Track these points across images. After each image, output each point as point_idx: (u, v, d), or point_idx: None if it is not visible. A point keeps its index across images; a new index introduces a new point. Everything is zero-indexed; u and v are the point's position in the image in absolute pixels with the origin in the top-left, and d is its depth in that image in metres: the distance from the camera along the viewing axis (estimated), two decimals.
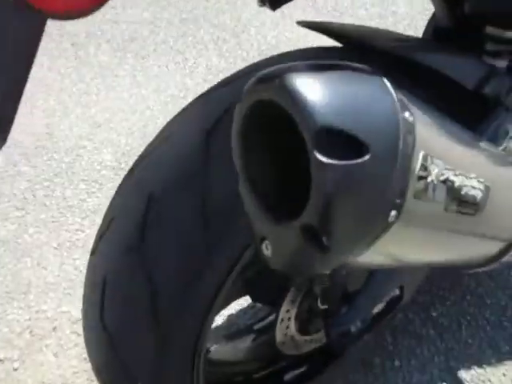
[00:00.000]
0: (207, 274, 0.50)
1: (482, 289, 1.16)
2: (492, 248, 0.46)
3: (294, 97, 0.27)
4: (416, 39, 0.86)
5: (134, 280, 0.49)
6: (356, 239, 0.30)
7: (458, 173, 0.33)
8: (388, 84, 0.29)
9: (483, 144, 0.40)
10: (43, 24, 0.39)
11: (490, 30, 0.77)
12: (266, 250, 0.33)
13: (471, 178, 0.34)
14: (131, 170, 0.54)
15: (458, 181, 0.32)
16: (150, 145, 0.55)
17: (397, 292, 0.69)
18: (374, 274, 0.64)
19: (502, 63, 0.78)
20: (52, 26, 2.00)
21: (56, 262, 1.15)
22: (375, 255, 0.33)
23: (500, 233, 0.43)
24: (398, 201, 0.30)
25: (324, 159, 0.27)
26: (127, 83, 1.74)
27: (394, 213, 0.30)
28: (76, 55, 1.86)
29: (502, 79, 0.66)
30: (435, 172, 0.31)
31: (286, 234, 0.31)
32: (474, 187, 0.34)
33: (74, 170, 1.39)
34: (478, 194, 0.35)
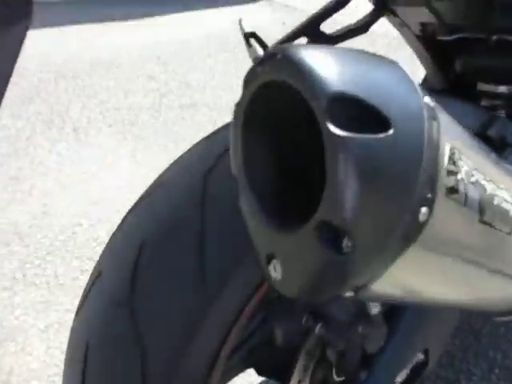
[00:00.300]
0: (203, 337, 0.43)
1: (510, 361, 1.06)
2: None
3: (301, 65, 0.24)
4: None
5: (121, 343, 0.43)
6: (383, 242, 0.25)
7: (488, 179, 0.29)
8: (405, 70, 0.27)
9: (505, 163, 0.37)
10: (20, 45, 0.38)
11: (483, 86, 0.78)
12: (275, 271, 0.28)
13: (502, 189, 0.30)
14: (122, 220, 0.50)
15: (489, 188, 0.29)
16: (143, 194, 0.51)
17: (421, 357, 0.61)
18: (394, 335, 0.57)
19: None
20: (55, 113, 2.08)
21: (42, 347, 1.05)
22: (397, 279, 0.28)
23: None
24: (428, 195, 0.26)
25: (340, 132, 0.23)
26: (126, 162, 1.75)
27: (424, 210, 0.26)
28: (77, 138, 1.90)
29: (504, 122, 0.65)
30: (465, 169, 0.27)
31: (298, 242, 0.26)
32: (506, 200, 0.30)
33: (68, 248, 1.34)
34: (511, 208, 0.31)
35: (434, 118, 0.26)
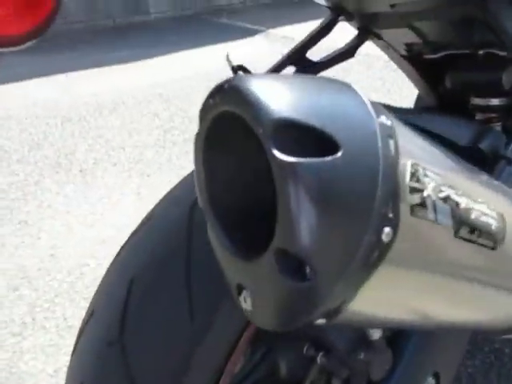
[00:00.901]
0: (195, 373, 0.42)
1: None
2: None
3: (245, 94, 0.24)
4: (407, 108, 0.88)
5: (114, 383, 0.42)
6: (346, 266, 0.24)
7: (460, 193, 0.28)
8: (358, 90, 0.27)
9: (483, 174, 0.36)
10: None
11: (475, 100, 0.78)
12: (245, 302, 0.27)
13: (479, 203, 0.29)
14: (115, 258, 0.50)
15: (463, 202, 0.28)
16: (133, 230, 0.52)
17: (432, 381, 0.58)
18: (400, 359, 0.55)
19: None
20: (62, 156, 2.12)
21: None
22: (374, 299, 0.27)
23: None
24: (390, 215, 0.25)
25: (285, 157, 0.23)
26: (132, 200, 1.77)
27: (388, 230, 0.25)
28: (83, 180, 1.93)
29: (497, 134, 0.64)
30: (431, 186, 0.27)
31: (261, 271, 0.25)
32: (484, 213, 0.29)
33: (77, 289, 1.33)
34: (493, 222, 0.30)
35: (390, 136, 0.25)
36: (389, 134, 0.25)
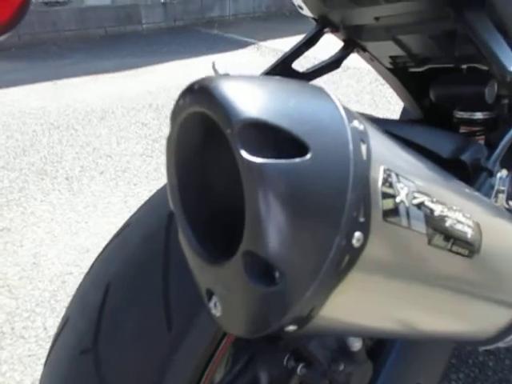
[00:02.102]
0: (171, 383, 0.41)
1: None
2: (501, 316, 0.38)
3: (213, 94, 0.24)
4: (392, 119, 0.88)
5: None
6: (316, 270, 0.24)
7: (435, 200, 0.28)
8: (331, 94, 0.27)
9: (460, 183, 0.36)
10: None
11: (459, 114, 0.79)
12: (215, 307, 0.27)
13: (454, 210, 0.29)
14: (91, 265, 0.49)
15: (437, 209, 0.28)
16: (111, 237, 0.51)
17: None
18: (381, 371, 0.55)
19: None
20: (48, 164, 2.10)
21: None
22: (346, 306, 0.26)
23: (507, 292, 0.36)
24: (361, 219, 0.25)
25: (252, 158, 0.22)
26: (119, 208, 1.75)
27: (358, 234, 0.25)
28: (69, 187, 1.91)
29: (479, 147, 0.65)
30: (405, 192, 0.26)
31: (230, 275, 0.25)
32: (459, 221, 0.29)
33: (58, 298, 1.31)
34: (468, 231, 0.30)
35: (362, 141, 0.25)
36: (361, 138, 0.25)
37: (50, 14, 4.79)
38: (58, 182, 1.95)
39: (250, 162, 0.22)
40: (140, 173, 2.03)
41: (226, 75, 0.26)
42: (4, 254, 1.50)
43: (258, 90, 0.24)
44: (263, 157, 0.23)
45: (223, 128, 0.23)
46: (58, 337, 0.46)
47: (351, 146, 0.24)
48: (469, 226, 0.30)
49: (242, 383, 0.58)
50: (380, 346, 0.56)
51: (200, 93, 0.25)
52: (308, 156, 0.23)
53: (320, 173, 0.23)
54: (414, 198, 0.27)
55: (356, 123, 0.25)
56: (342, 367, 0.50)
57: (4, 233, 1.60)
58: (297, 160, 0.23)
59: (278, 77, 0.27)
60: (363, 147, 0.25)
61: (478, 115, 0.80)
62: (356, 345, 0.49)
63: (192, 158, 0.28)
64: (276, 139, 0.23)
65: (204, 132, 0.27)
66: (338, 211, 0.24)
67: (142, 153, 2.21)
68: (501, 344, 0.42)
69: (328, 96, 0.26)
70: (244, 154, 0.22)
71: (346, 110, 0.26)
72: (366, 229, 0.25)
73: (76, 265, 1.45)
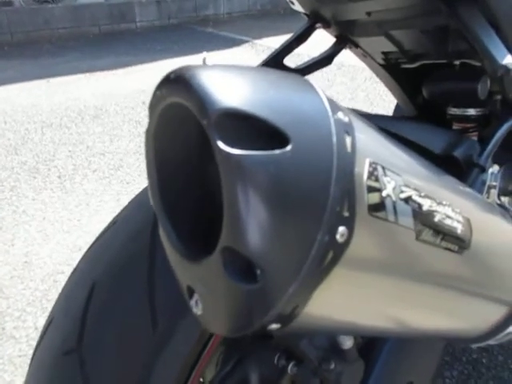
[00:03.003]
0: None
1: None
2: (492, 313, 0.38)
3: (190, 83, 0.23)
4: (385, 115, 0.88)
5: None
6: (298, 266, 0.23)
7: (423, 194, 0.28)
8: (314, 84, 0.26)
9: (450, 177, 0.35)
10: None
11: (452, 110, 0.78)
12: (196, 306, 0.26)
13: (444, 205, 0.29)
14: (77, 264, 0.48)
15: (425, 204, 0.27)
16: (97, 235, 0.49)
17: None
18: (373, 369, 0.54)
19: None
20: (41, 162, 2.08)
21: None
22: (331, 304, 0.25)
23: (498, 288, 0.36)
24: (345, 213, 0.24)
25: (230, 149, 0.21)
26: (111, 207, 1.74)
27: (342, 229, 0.24)
28: (62, 186, 1.90)
29: (471, 143, 0.64)
30: (391, 186, 0.26)
31: (210, 272, 0.24)
32: (449, 216, 0.29)
33: (50, 298, 1.30)
34: (458, 226, 0.29)
35: (347, 132, 0.24)
36: (345, 130, 0.24)
37: (42, 11, 4.75)
38: (50, 181, 1.93)
39: (227, 154, 0.21)
40: (133, 171, 2.01)
41: (204, 65, 0.25)
42: None
43: (236, 79, 0.23)
44: (241, 148, 0.22)
45: (200, 118, 0.22)
46: (43, 337, 0.45)
47: (335, 138, 0.23)
48: (458, 222, 0.30)
49: (233, 382, 0.57)
50: (371, 345, 0.56)
51: (176, 82, 0.24)
52: (288, 148, 0.22)
53: (301, 165, 0.22)
54: (402, 192, 0.26)
55: (340, 115, 0.25)
56: (332, 366, 0.49)
57: None
58: (277, 152, 0.22)
59: (258, 67, 0.26)
60: (348, 139, 0.24)
61: (471, 111, 0.79)
62: (347, 343, 0.49)
63: (171, 151, 0.27)
64: (255, 130, 0.22)
65: (183, 124, 0.26)
66: (321, 205, 0.23)
67: (136, 151, 2.20)
68: (492, 341, 0.41)
69: (311, 86, 0.25)
70: (221, 145, 0.21)
71: (331, 101, 0.25)
72: (350, 224, 0.24)
73: (68, 264, 1.43)
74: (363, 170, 0.25)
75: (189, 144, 0.27)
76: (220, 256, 0.23)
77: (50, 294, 1.31)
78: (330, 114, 0.24)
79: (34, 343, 1.15)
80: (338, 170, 0.23)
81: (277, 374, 0.56)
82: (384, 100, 2.72)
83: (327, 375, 0.51)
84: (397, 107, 1.10)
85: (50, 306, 1.26)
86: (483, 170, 0.60)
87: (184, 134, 0.26)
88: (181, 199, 0.28)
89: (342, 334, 0.43)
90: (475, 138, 0.79)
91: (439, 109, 0.82)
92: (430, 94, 0.81)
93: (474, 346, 0.42)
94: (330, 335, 0.50)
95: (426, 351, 0.61)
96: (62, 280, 1.36)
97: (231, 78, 0.24)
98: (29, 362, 1.14)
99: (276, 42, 4.24)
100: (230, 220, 0.22)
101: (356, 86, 2.98)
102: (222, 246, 0.23)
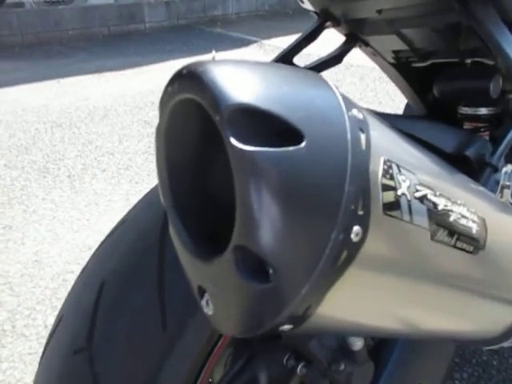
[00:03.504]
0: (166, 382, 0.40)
1: None
2: (506, 315, 0.37)
3: (202, 78, 0.22)
4: (395, 114, 0.87)
5: None
6: (312, 266, 0.22)
7: (438, 193, 0.27)
8: (328, 81, 0.25)
9: (465, 177, 0.35)
10: None
11: (464, 110, 0.77)
12: (207, 305, 0.25)
13: (459, 205, 0.28)
14: (86, 263, 0.48)
15: (441, 203, 0.27)
16: (107, 234, 0.49)
17: None
18: (382, 371, 0.54)
19: None
20: (51, 161, 2.10)
21: None
22: (344, 305, 0.25)
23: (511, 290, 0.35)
24: (360, 212, 0.23)
25: (243, 146, 0.21)
26: (120, 206, 1.75)
27: (357, 228, 0.23)
28: (71, 185, 1.91)
29: (483, 142, 0.63)
30: (406, 184, 0.25)
31: (221, 272, 0.23)
32: (464, 216, 0.28)
33: (59, 296, 1.30)
34: (473, 226, 0.28)
35: (361, 130, 0.24)
36: (360, 127, 0.23)
37: (52, 12, 4.79)
38: (59, 180, 1.95)
39: (240, 150, 0.21)
40: (142, 171, 2.02)
41: (216, 60, 0.24)
42: (5, 252, 1.50)
43: (249, 75, 0.23)
44: (255, 145, 0.21)
45: (212, 114, 0.22)
46: (52, 335, 0.45)
47: (349, 135, 0.23)
48: (474, 221, 0.29)
49: (242, 383, 0.57)
50: (381, 346, 0.55)
51: (188, 78, 0.23)
52: (303, 144, 0.22)
53: (316, 163, 0.22)
54: (417, 190, 0.26)
55: (355, 112, 0.24)
56: (342, 367, 0.49)
57: (6, 231, 1.60)
58: (291, 148, 0.21)
59: (271, 62, 0.26)
60: (362, 137, 0.23)
61: (483, 111, 0.78)
62: (357, 344, 0.48)
63: (182, 148, 0.27)
64: (268, 126, 0.22)
65: (194, 120, 0.26)
66: (336, 204, 0.22)
67: (145, 151, 2.21)
68: (506, 344, 0.41)
69: (325, 82, 0.25)
70: (234, 141, 0.21)
71: (345, 97, 0.25)
72: (365, 223, 0.23)
73: (77, 263, 1.44)
74: (378, 168, 0.24)
75: (200, 141, 0.27)
76: (232, 255, 0.22)
77: (59, 292, 1.32)
78: (345, 110, 0.23)
79: (44, 341, 1.15)
80: (352, 168, 0.22)
81: (286, 375, 0.56)
82: (393, 100, 2.71)
83: (337, 376, 0.51)
84: (407, 106, 1.09)
85: (59, 305, 1.27)
86: (496, 169, 0.59)
87: (195, 130, 0.26)
88: (192, 197, 0.27)
89: (354, 334, 0.42)
90: (487, 138, 0.78)
91: (450, 108, 0.81)
92: (440, 92, 0.80)
93: (487, 348, 0.41)
94: (339, 336, 0.49)
95: (437, 353, 0.60)
96: (72, 279, 1.37)
97: (244, 73, 0.23)
98: (38, 359, 1.15)
99: (284, 42, 4.24)
100: (242, 218, 0.21)
101: (365, 85, 2.96)
102: (234, 244, 0.22)
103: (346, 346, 0.49)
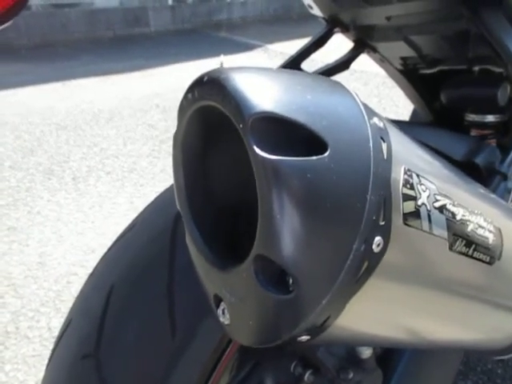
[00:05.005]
0: None
1: None
2: None
3: (225, 86, 0.22)
4: (403, 120, 0.87)
5: None
6: (332, 275, 0.22)
7: (456, 203, 0.27)
8: (349, 89, 0.25)
9: (479, 186, 0.35)
10: None
11: (471, 117, 0.77)
12: (223, 316, 0.25)
13: (476, 214, 0.28)
14: (95, 267, 0.48)
15: (459, 213, 0.26)
16: (116, 238, 0.49)
17: None
18: (391, 379, 0.53)
19: None
20: (55, 163, 2.10)
21: None
22: (363, 316, 0.24)
23: None
24: (381, 223, 0.23)
25: (266, 155, 0.21)
26: (124, 209, 1.75)
27: (378, 239, 0.23)
28: (76, 187, 1.91)
29: (492, 150, 0.63)
30: (426, 194, 0.25)
31: (240, 281, 0.23)
32: (481, 226, 0.28)
33: (63, 298, 1.30)
34: (489, 236, 0.28)
35: (382, 139, 0.24)
36: (381, 136, 0.23)
37: (59, 15, 4.82)
38: (64, 182, 1.95)
39: (264, 159, 0.21)
40: (146, 174, 2.02)
41: (238, 67, 0.24)
42: (10, 253, 1.50)
43: (273, 83, 0.23)
44: (278, 153, 0.21)
45: (235, 122, 0.22)
46: (61, 339, 0.45)
47: (371, 144, 0.23)
48: (490, 231, 0.29)
49: None
50: (390, 354, 0.55)
51: (210, 85, 0.23)
52: (326, 154, 0.21)
53: (339, 172, 0.22)
54: (436, 200, 0.26)
55: (376, 120, 0.24)
56: (351, 375, 0.48)
57: (10, 232, 1.61)
58: (314, 158, 0.21)
59: (292, 70, 0.26)
60: (384, 146, 0.23)
61: (490, 118, 0.78)
62: (366, 352, 0.48)
63: (200, 155, 0.27)
64: (292, 135, 0.22)
65: (214, 128, 0.26)
66: (358, 214, 0.22)
67: (149, 154, 2.21)
68: None
69: (347, 91, 0.25)
70: (257, 150, 0.21)
71: (366, 106, 0.25)
72: (386, 233, 0.23)
73: (81, 265, 1.44)
74: (399, 177, 0.24)
75: (220, 148, 0.27)
76: (252, 264, 0.22)
77: (63, 294, 1.32)
78: (367, 119, 0.23)
79: (48, 343, 1.15)
80: (374, 177, 0.22)
81: (293, 382, 0.55)
82: (397, 106, 2.70)
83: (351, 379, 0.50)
84: (413, 113, 1.09)
85: (63, 307, 1.27)
86: (506, 177, 0.59)
87: (215, 138, 0.26)
88: (209, 205, 0.27)
89: (367, 345, 0.42)
90: (494, 145, 0.77)
91: (457, 115, 0.81)
92: (448, 99, 0.80)
93: (498, 358, 0.41)
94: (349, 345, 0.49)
95: (445, 361, 0.60)
96: (76, 281, 1.37)
97: (267, 81, 0.23)
98: (42, 361, 1.15)
99: (288, 47, 4.25)
100: (264, 227, 0.21)
101: (369, 91, 2.96)
102: (255, 254, 0.22)
103: (354, 354, 0.48)
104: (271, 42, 4.68)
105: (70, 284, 1.36)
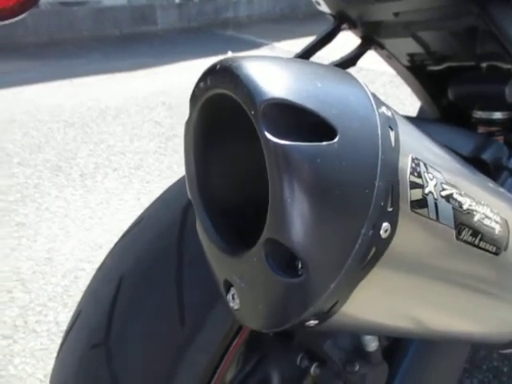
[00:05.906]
0: (183, 379, 0.40)
1: None
2: None
3: (236, 73, 0.23)
4: (410, 116, 0.87)
5: None
6: (341, 262, 0.23)
7: (463, 193, 0.27)
8: (358, 78, 0.26)
9: (486, 178, 0.35)
10: None
11: (478, 113, 0.77)
12: (233, 301, 0.26)
13: (482, 205, 0.28)
14: (104, 259, 0.48)
15: (466, 203, 0.27)
16: (124, 231, 0.50)
17: None
18: (397, 373, 0.54)
19: None
20: (63, 160, 2.12)
21: None
22: (369, 302, 0.25)
23: None
24: (389, 209, 0.23)
25: (277, 140, 0.21)
26: (131, 206, 1.76)
27: (386, 225, 0.23)
28: (83, 184, 1.93)
29: (500, 146, 0.63)
30: (433, 183, 0.25)
31: (251, 265, 0.24)
32: (487, 216, 0.28)
33: (70, 293, 1.32)
34: (496, 227, 0.28)
35: (390, 127, 0.24)
36: (389, 124, 0.24)
37: (67, 13, 4.85)
38: (72, 179, 1.97)
39: (275, 144, 0.21)
40: (153, 170, 2.03)
41: (249, 56, 0.25)
42: (18, 249, 1.52)
43: (284, 70, 0.24)
44: (289, 139, 0.22)
45: (247, 109, 0.22)
46: (70, 330, 0.46)
47: (380, 132, 0.23)
48: (497, 222, 0.29)
49: (254, 382, 0.57)
50: (396, 347, 0.55)
51: (222, 73, 0.24)
52: (335, 140, 0.22)
53: (348, 158, 0.22)
54: (443, 189, 0.26)
55: (384, 109, 0.25)
56: (357, 368, 0.49)
57: (19, 228, 1.62)
58: (324, 143, 0.22)
59: (302, 59, 0.26)
60: (391, 134, 0.24)
61: (498, 115, 0.78)
62: (372, 345, 0.48)
63: (212, 142, 0.27)
64: (302, 121, 0.22)
65: (226, 115, 0.26)
66: (367, 199, 0.23)
67: (155, 151, 2.22)
68: None
69: (356, 80, 0.25)
70: (269, 135, 0.22)
71: (374, 95, 0.25)
72: (393, 219, 0.24)
73: (89, 261, 1.45)
74: (407, 165, 0.24)
75: (231, 136, 0.27)
76: (262, 248, 0.23)
77: (70, 289, 1.33)
78: (375, 107, 0.24)
79: (55, 338, 1.17)
80: (382, 164, 0.23)
81: (299, 375, 0.56)
82: (404, 104, 2.69)
83: (351, 377, 0.51)
84: (421, 110, 1.08)
85: (70, 302, 1.28)
86: None
87: (227, 126, 0.27)
88: (219, 192, 0.28)
89: (373, 333, 0.42)
90: (501, 141, 0.77)
91: (464, 112, 0.81)
92: (455, 96, 0.80)
93: (504, 351, 0.41)
94: (354, 337, 0.49)
95: (451, 354, 0.60)
96: (83, 276, 1.38)
97: (278, 68, 0.24)
98: (50, 355, 1.16)
99: (294, 45, 4.24)
100: (274, 211, 0.22)
101: (375, 89, 2.95)
102: (266, 237, 0.23)
103: (360, 346, 0.49)
104: (278, 40, 4.68)
105: (77, 279, 1.37)
